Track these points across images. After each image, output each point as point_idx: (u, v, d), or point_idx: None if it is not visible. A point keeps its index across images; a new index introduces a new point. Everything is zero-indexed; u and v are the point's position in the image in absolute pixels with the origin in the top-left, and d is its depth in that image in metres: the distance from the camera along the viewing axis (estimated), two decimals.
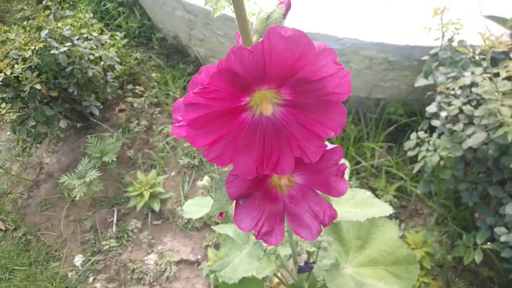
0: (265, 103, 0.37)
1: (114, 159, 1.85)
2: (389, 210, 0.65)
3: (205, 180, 0.85)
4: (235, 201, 0.47)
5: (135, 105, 2.14)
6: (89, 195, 1.85)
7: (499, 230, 1.13)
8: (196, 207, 0.98)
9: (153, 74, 2.25)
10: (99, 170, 1.81)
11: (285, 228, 0.64)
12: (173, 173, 1.96)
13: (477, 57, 1.09)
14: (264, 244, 0.71)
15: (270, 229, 0.47)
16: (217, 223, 1.76)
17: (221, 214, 0.95)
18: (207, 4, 0.33)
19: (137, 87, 2.20)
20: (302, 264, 0.87)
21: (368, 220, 0.89)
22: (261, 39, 0.38)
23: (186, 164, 1.96)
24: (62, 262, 1.73)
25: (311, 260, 0.92)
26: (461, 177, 1.28)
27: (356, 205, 0.66)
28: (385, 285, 0.84)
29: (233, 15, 1.29)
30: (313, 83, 0.35)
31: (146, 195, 1.79)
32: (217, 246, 1.68)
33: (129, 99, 2.15)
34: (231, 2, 0.34)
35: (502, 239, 1.11)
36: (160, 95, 2.18)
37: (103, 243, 1.74)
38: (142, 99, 2.17)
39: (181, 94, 2.16)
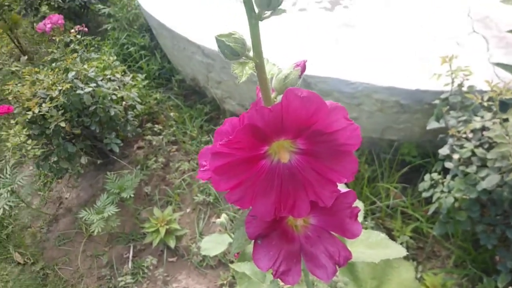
0: (283, 152, 0.41)
1: (132, 195, 1.90)
2: (403, 252, 0.67)
3: (223, 217, 0.88)
4: (253, 240, 0.50)
5: (154, 142, 2.21)
6: (107, 231, 1.89)
7: None
8: (213, 244, 1.00)
9: (172, 114, 2.33)
10: (117, 206, 1.85)
11: (301, 267, 0.66)
12: (188, 210, 1.99)
13: (485, 104, 1.12)
14: (281, 283, 0.73)
15: (287, 269, 0.50)
16: (231, 262, 1.76)
17: (237, 254, 0.97)
18: (234, 71, 0.37)
19: (156, 125, 2.28)
20: None
21: (383, 261, 0.90)
22: (279, 96, 0.43)
23: (202, 201, 1.99)
24: None
25: None
26: (478, 219, 1.28)
27: (371, 246, 0.68)
28: None
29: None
30: (326, 135, 0.38)
31: (162, 231, 1.82)
32: (231, 285, 1.68)
33: (148, 137, 2.23)
34: (255, 70, 0.38)
35: None
36: (178, 133, 2.25)
37: (119, 279, 1.75)
38: (160, 137, 2.24)
39: (198, 132, 2.23)
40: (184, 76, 2.43)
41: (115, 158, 2.15)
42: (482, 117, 1.24)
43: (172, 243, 1.82)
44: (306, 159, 0.41)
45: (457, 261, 1.57)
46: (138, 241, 1.90)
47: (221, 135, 0.44)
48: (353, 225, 0.51)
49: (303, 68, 0.43)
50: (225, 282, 1.70)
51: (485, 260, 1.50)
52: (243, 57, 0.40)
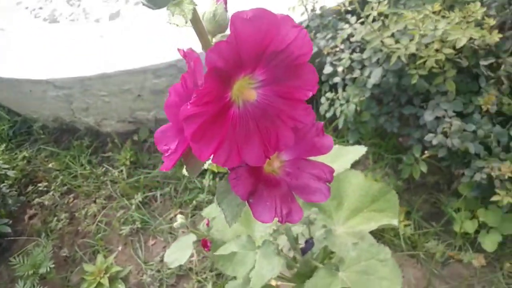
0: (246, 91, 0.38)
1: (52, 266, 1.67)
2: (363, 149, 0.70)
3: (179, 218, 0.82)
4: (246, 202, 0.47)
5: (46, 203, 1.95)
6: None
7: (428, 136, 1.27)
8: (178, 253, 0.93)
9: (50, 165, 2.07)
10: (40, 286, 1.62)
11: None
12: (120, 248, 1.83)
13: (349, 8, 1.22)
14: (271, 239, 0.72)
15: (289, 210, 0.48)
16: (190, 269, 1.69)
17: (205, 244, 0.92)
18: (174, 15, 0.32)
19: (39, 184, 2.01)
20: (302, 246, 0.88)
21: (334, 180, 0.95)
22: (215, 39, 0.40)
23: (129, 232, 1.84)
24: None
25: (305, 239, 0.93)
26: (378, 113, 1.42)
27: (333, 159, 0.70)
28: (375, 223, 0.89)
29: (110, 71, 1.26)
30: (281, 53, 0.37)
31: (105, 282, 1.64)
32: None
33: (36, 200, 1.95)
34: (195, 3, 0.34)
35: (434, 142, 1.25)
36: (67, 181, 2.02)
37: None
38: (50, 193, 1.98)
39: (89, 169, 2.03)
40: (44, 121, 2.16)
41: (10, 239, 1.85)
42: (349, 23, 1.35)
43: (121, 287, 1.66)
44: (270, 89, 0.39)
45: (374, 157, 1.74)
46: None
47: (172, 107, 0.39)
48: (324, 140, 0.51)
49: (225, 0, 0.40)
50: None
51: (395, 145, 1.68)
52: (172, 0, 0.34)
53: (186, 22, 0.32)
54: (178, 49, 0.41)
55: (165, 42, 1.64)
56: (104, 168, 2.03)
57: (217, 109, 0.35)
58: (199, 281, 1.65)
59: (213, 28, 0.39)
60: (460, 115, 1.28)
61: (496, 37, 1.15)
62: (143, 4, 0.35)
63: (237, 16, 0.32)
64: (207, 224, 0.84)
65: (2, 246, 1.87)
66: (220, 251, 0.73)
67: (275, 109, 0.40)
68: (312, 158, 0.52)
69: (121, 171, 1.97)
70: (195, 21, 0.36)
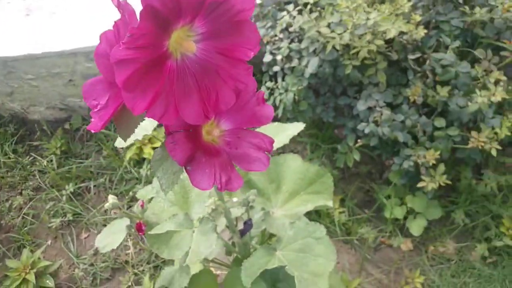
0: (185, 43, 0.37)
1: None
2: (301, 125, 0.71)
3: (111, 198, 0.78)
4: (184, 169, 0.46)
5: None
6: None
7: (361, 126, 1.33)
8: (110, 238, 0.89)
9: None
10: None
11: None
12: (49, 241, 1.72)
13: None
14: (208, 218, 0.70)
15: (228, 178, 0.48)
16: (126, 262, 1.62)
17: (139, 227, 0.88)
18: None
19: None
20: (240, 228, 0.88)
21: (272, 163, 0.96)
22: None
23: (59, 225, 1.73)
24: None
25: (244, 220, 0.94)
26: (315, 103, 1.46)
27: (273, 135, 0.70)
28: (312, 204, 0.92)
29: (38, 52, 1.17)
30: (222, 5, 0.36)
31: (31, 277, 1.53)
32: (138, 283, 1.56)
33: None
34: None
35: (366, 131, 1.32)
36: None
37: None
38: None
39: (14, 158, 1.87)
40: None
41: None
42: (287, 11, 1.37)
43: (50, 283, 1.56)
44: (210, 44, 0.38)
45: (312, 148, 1.79)
46: None
47: (101, 56, 0.37)
48: (264, 110, 0.51)
49: None
50: (129, 283, 1.57)
51: (331, 136, 1.74)
52: None
53: None
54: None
55: (99, 23, 1.56)
56: (31, 158, 1.89)
57: (153, 57, 0.34)
58: (135, 274, 1.59)
59: None
60: (390, 105, 1.36)
61: (422, 32, 1.24)
62: None
63: None
64: (141, 206, 0.81)
65: None
66: (155, 230, 0.70)
67: (215, 66, 0.39)
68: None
69: (51, 160, 1.85)
70: None
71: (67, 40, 1.56)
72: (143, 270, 1.61)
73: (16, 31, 1.65)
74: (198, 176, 0.46)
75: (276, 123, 0.74)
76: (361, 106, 1.32)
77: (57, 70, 1.62)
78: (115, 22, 0.36)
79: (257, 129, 0.56)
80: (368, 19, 1.15)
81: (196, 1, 0.34)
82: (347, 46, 1.27)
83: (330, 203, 0.91)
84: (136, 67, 0.32)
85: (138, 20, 0.33)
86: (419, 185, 1.32)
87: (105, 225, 1.73)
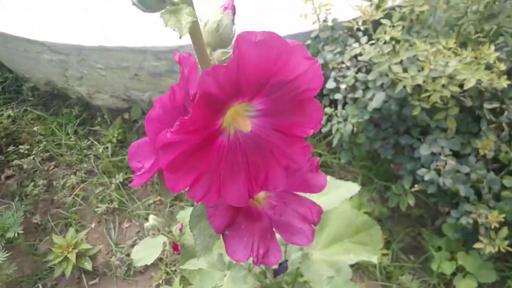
0: (241, 120, 0.34)
1: (20, 232, 1.62)
2: (356, 187, 0.67)
3: (152, 219, 0.78)
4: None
5: (25, 166, 1.90)
6: (2, 281, 1.59)
7: (421, 171, 1.24)
8: (146, 251, 0.89)
9: (35, 128, 2.01)
10: (5, 250, 1.56)
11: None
12: (93, 225, 1.79)
13: (362, 28, 1.17)
14: (241, 266, 0.68)
15: (266, 249, 0.44)
16: (160, 259, 1.65)
17: (175, 247, 0.88)
18: (168, 24, 0.28)
19: (21, 146, 1.95)
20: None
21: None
22: (215, 53, 0.35)
23: (105, 211, 1.80)
24: None
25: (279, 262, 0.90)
26: (374, 137, 1.38)
27: (323, 192, 0.66)
28: (354, 256, 0.86)
29: (110, 45, 1.20)
30: (287, 85, 0.33)
31: (72, 257, 1.60)
32: (169, 282, 1.58)
33: (15, 161, 1.90)
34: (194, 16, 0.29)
35: (426, 178, 1.23)
36: (51, 147, 1.96)
37: None
38: (31, 157, 1.93)
39: (74, 140, 1.97)
40: (36, 82, 2.10)
41: None
42: (359, 42, 1.31)
43: (88, 266, 1.62)
44: (267, 121, 0.35)
45: (363, 180, 1.71)
46: (46, 278, 1.65)
47: (153, 121, 0.35)
48: (317, 178, 0.47)
49: (234, 10, 0.36)
50: (160, 281, 1.59)
51: (385, 171, 1.66)
52: (168, 4, 0.30)
53: (180, 37, 0.28)
54: (174, 53, 0.37)
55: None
56: (89, 142, 1.97)
57: (203, 138, 0.31)
58: (167, 273, 1.62)
59: (215, 42, 0.34)
60: (456, 154, 1.25)
61: (504, 83, 1.12)
62: (133, 4, 0.30)
63: (243, 38, 0.28)
64: (180, 230, 0.81)
65: None
66: (187, 265, 0.69)
67: (270, 144, 0.36)
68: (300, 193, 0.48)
69: (107, 147, 1.92)
70: (194, 33, 0.32)
71: (138, 37, 1.60)
72: (175, 271, 1.62)
73: (91, 22, 1.72)
74: (235, 245, 0.43)
75: (329, 177, 0.69)
76: (424, 150, 1.23)
77: (125, 64, 1.67)
78: (171, 86, 0.34)
79: None
80: (447, 65, 1.06)
81: (257, 84, 0.30)
82: (418, 86, 1.19)
83: (374, 259, 0.84)
84: (182, 150, 0.30)
85: (196, 85, 0.30)
86: (476, 246, 1.21)
87: (146, 219, 1.78)
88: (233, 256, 0.42)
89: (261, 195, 0.47)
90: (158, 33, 1.59)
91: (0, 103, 2.11)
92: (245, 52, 0.28)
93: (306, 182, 0.47)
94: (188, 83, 0.34)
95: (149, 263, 0.88)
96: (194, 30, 0.31)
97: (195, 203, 0.47)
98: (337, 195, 0.66)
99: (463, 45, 1.26)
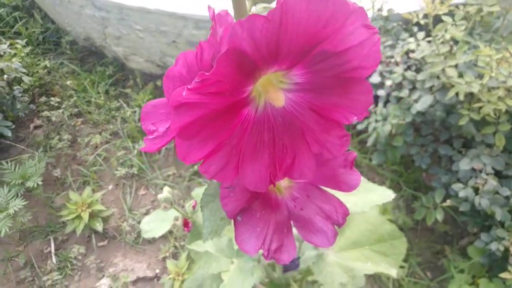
0: (273, 91, 0.28)
1: (40, 183, 1.63)
2: (391, 195, 0.60)
3: (166, 191, 0.74)
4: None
5: (53, 118, 1.91)
6: (16, 228, 1.62)
7: (456, 186, 1.15)
8: (156, 223, 0.86)
9: (68, 82, 2.01)
10: (23, 198, 1.58)
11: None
12: (110, 187, 1.79)
13: (421, 22, 1.08)
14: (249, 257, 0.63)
15: (280, 244, 0.39)
16: (170, 232, 1.63)
17: (186, 224, 0.84)
18: None
19: (52, 98, 1.96)
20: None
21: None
22: (255, 8, 0.30)
23: (124, 175, 1.79)
24: None
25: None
26: (412, 142, 1.30)
27: (352, 192, 0.60)
28: (372, 265, 0.80)
29: (151, 7, 1.14)
30: (335, 57, 0.26)
31: (85, 216, 1.60)
32: (175, 256, 1.56)
33: (45, 113, 1.91)
34: None
35: (461, 194, 1.14)
36: (80, 103, 1.97)
37: (44, 278, 1.53)
38: (60, 111, 1.93)
39: (104, 99, 1.96)
40: (75, 37, 2.10)
41: (9, 143, 1.82)
42: (415, 37, 1.21)
43: (99, 227, 1.62)
44: (304, 98, 0.29)
45: (391, 185, 1.62)
46: (58, 232, 1.66)
47: (174, 80, 0.30)
48: (349, 175, 0.41)
49: None
50: (167, 254, 1.58)
51: (417, 180, 1.57)
52: None
53: None
54: (209, 7, 0.31)
55: None
56: (118, 103, 1.96)
57: (227, 104, 0.26)
58: (175, 247, 1.60)
59: None
60: (498, 174, 1.16)
61: None
62: None
63: None
64: (193, 207, 0.76)
65: (1, 147, 1.84)
66: (194, 246, 0.65)
67: (303, 125, 0.30)
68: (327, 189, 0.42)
69: (134, 111, 1.90)
70: None
71: (181, 2, 1.55)
72: (184, 246, 1.60)
73: None
74: (246, 233, 0.38)
75: (361, 178, 0.63)
76: (464, 165, 1.14)
77: (164, 28, 1.63)
78: (200, 42, 0.29)
79: None
80: (510, 76, 0.95)
81: (301, 49, 0.25)
82: (470, 94, 1.09)
83: (393, 272, 0.78)
84: (200, 114, 0.25)
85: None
86: (502, 275, 1.12)
87: (162, 189, 1.77)
88: (242, 246, 0.37)
89: (284, 183, 0.42)
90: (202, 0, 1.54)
91: (39, 52, 2.12)
92: (292, 4, 0.22)
93: (337, 178, 0.41)
94: (220, 43, 0.29)
95: (156, 236, 0.85)
96: None
97: (209, 180, 0.42)
98: (368, 199, 0.60)
99: None
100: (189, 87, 0.23)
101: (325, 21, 0.23)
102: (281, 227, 0.40)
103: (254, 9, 0.29)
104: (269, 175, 0.30)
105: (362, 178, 0.68)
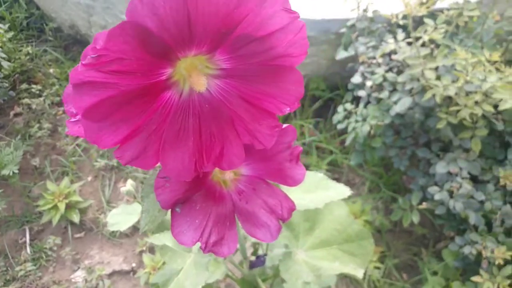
0: (196, 75, 0.27)
1: (16, 171, 1.60)
2: (347, 192, 0.59)
3: (129, 184, 0.73)
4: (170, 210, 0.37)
5: (34, 106, 1.87)
6: None
7: (432, 189, 1.15)
8: (122, 217, 0.84)
9: (51, 70, 1.98)
10: None
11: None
12: (89, 178, 1.76)
13: (400, 22, 1.07)
14: None
15: (220, 237, 0.38)
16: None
17: None
18: None
19: (34, 86, 1.93)
20: (253, 258, 0.79)
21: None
22: None
23: (103, 167, 1.76)
24: None
25: (259, 252, 0.84)
26: (391, 144, 1.29)
27: (309, 189, 0.59)
28: (340, 265, 0.79)
29: None
30: (257, 42, 0.25)
31: (62, 206, 1.58)
32: (152, 251, 1.55)
33: (25, 100, 1.88)
34: None
35: (436, 197, 1.13)
36: (62, 92, 1.93)
37: (17, 268, 1.50)
38: (41, 99, 1.90)
39: None
40: (60, 24, 2.06)
41: None
42: (395, 38, 1.21)
43: (76, 218, 1.60)
44: (232, 84, 0.28)
45: (371, 186, 1.62)
46: (34, 222, 1.63)
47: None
48: (295, 169, 0.40)
49: None
50: (144, 248, 1.56)
51: (396, 182, 1.56)
52: None
53: None
54: None
55: None
56: None
57: (140, 86, 0.24)
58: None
59: None
60: (474, 179, 1.16)
61: None
62: None
63: None
64: None
65: None
66: (153, 239, 0.63)
67: (232, 114, 0.29)
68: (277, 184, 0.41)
69: None
70: None
71: None
72: None
73: None
74: (184, 225, 0.37)
75: (320, 175, 0.62)
76: (441, 168, 1.14)
77: None
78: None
79: None
80: (485, 80, 0.95)
81: (216, 31, 0.23)
82: (449, 98, 1.09)
83: (360, 273, 0.77)
84: (108, 94, 0.23)
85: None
86: (474, 278, 1.12)
87: (142, 183, 1.74)
88: (178, 237, 0.36)
89: (230, 176, 0.40)
90: None
91: (22, 38, 2.08)
92: None
93: (282, 172, 0.40)
94: None
95: (122, 230, 0.83)
96: None
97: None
98: (325, 195, 0.59)
99: (509, 62, 1.15)
100: (83, 62, 0.21)
101: (236, 2, 0.22)
102: (223, 220, 0.39)
103: None
104: (194, 164, 0.29)
105: (322, 175, 0.67)
